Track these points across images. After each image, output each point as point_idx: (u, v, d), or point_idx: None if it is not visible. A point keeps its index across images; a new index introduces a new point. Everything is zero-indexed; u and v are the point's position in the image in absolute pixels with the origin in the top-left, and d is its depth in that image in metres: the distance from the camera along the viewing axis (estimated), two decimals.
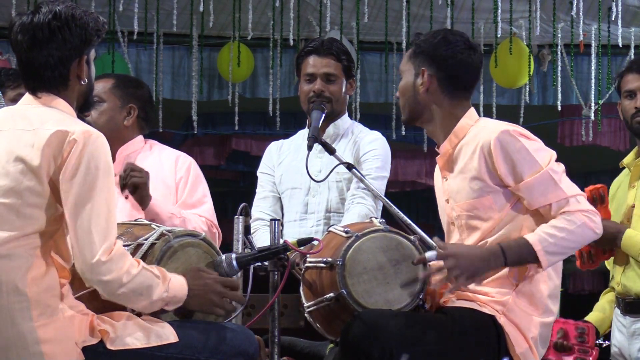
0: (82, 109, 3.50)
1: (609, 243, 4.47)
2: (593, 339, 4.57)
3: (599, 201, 4.48)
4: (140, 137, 4.80)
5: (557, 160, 3.80)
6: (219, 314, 3.54)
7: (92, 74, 3.50)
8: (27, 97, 3.45)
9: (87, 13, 3.43)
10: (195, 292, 3.45)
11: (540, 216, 3.77)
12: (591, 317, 4.71)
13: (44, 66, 3.38)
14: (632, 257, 4.47)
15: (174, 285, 3.40)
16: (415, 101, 3.91)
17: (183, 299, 3.42)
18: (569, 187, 3.76)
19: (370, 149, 4.94)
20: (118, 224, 3.74)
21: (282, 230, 4.99)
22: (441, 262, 3.68)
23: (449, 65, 3.89)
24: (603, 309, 4.72)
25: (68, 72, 3.41)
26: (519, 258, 3.71)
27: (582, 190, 4.42)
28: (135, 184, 4.46)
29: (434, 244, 3.73)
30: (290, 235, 4.92)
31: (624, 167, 4.73)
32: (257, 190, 5.12)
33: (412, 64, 3.93)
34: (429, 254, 3.69)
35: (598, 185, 4.54)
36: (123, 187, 4.45)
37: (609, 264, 4.76)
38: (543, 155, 3.76)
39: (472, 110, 3.92)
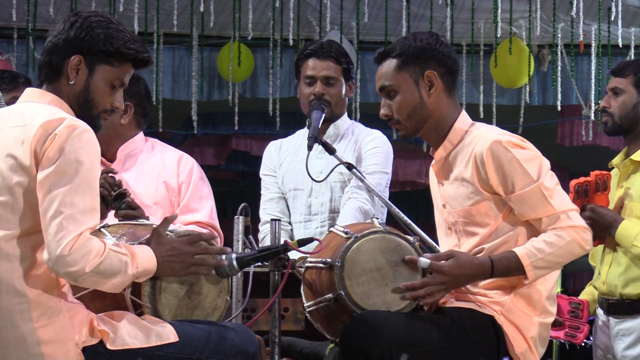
0: (91, 124, 3.37)
1: (604, 230, 4.50)
2: (587, 315, 4.62)
3: (602, 187, 4.50)
4: (141, 135, 4.72)
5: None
6: (203, 272, 3.46)
7: (94, 86, 3.42)
8: (27, 93, 3.45)
9: (118, 29, 3.40)
10: (164, 259, 3.37)
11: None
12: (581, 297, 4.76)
13: (44, 51, 3.41)
14: (625, 247, 4.50)
15: (142, 259, 3.32)
16: (423, 109, 3.84)
17: (154, 270, 3.35)
18: (561, 202, 3.74)
19: (372, 146, 4.94)
20: (119, 224, 3.74)
21: (292, 230, 4.99)
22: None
23: (448, 62, 3.87)
24: (591, 293, 4.76)
25: (60, 63, 3.39)
26: (506, 271, 3.73)
27: (588, 175, 4.46)
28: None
29: (436, 246, 3.72)
30: (297, 236, 4.91)
31: (612, 168, 4.77)
32: (262, 193, 5.09)
33: (407, 73, 3.83)
34: (423, 261, 3.68)
35: (604, 172, 4.56)
36: (114, 211, 4.37)
37: (592, 259, 4.79)
38: (535, 166, 3.74)
39: (464, 113, 3.91)
